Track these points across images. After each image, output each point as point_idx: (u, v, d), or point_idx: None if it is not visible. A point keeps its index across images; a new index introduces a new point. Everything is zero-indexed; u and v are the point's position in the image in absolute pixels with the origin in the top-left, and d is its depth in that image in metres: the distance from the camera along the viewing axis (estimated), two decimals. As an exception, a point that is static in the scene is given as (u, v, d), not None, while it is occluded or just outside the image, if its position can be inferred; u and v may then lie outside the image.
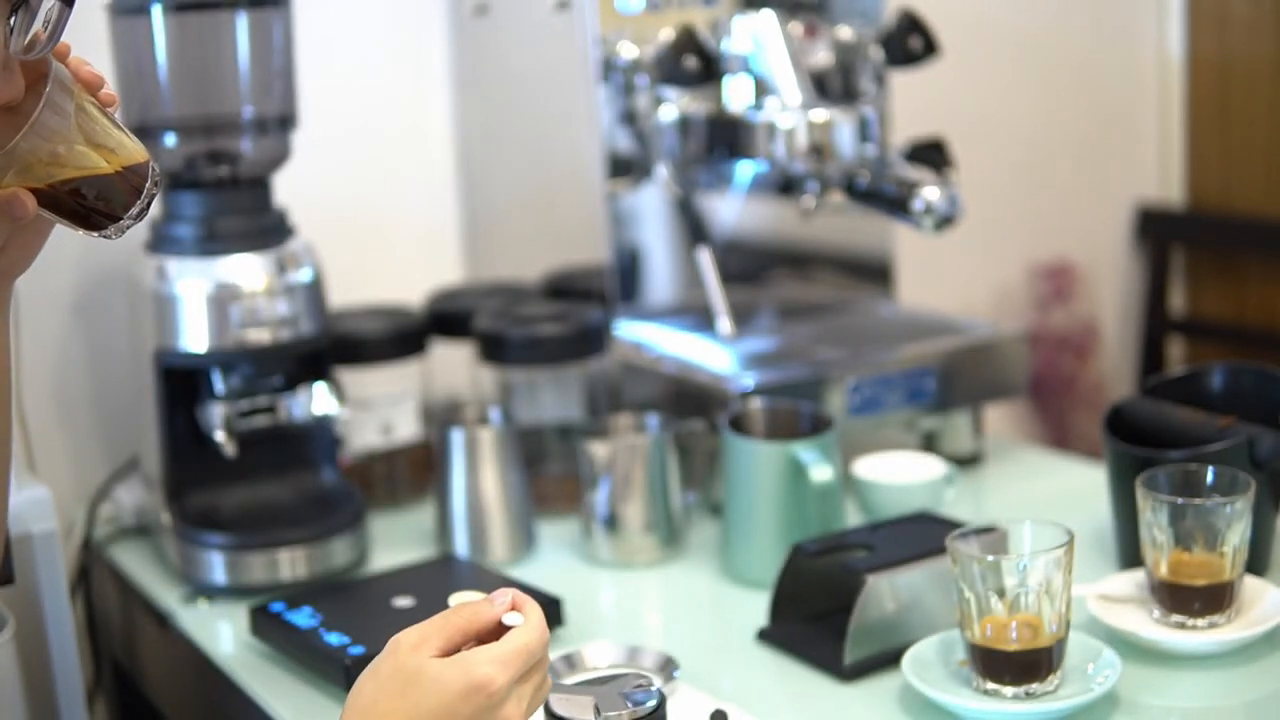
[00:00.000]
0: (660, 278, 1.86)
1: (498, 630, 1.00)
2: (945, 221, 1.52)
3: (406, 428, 1.76)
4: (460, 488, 1.55)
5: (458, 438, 1.54)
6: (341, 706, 1.27)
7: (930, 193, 1.51)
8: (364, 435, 1.75)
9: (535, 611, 1.01)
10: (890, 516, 1.42)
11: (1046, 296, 2.61)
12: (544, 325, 1.67)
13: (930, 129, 1.85)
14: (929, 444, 1.78)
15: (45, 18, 0.89)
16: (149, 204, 1.09)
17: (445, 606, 1.34)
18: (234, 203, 1.53)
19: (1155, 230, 2.71)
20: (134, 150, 1.08)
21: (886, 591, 1.26)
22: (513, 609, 1.01)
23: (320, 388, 1.55)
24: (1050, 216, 2.62)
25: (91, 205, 1.08)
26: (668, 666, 1.24)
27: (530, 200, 1.92)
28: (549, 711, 1.10)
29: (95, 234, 1.09)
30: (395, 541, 1.64)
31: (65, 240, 1.83)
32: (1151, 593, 1.27)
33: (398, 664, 0.97)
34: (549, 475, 1.72)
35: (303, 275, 1.53)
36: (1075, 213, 2.65)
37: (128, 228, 1.09)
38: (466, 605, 1.01)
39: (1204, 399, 1.48)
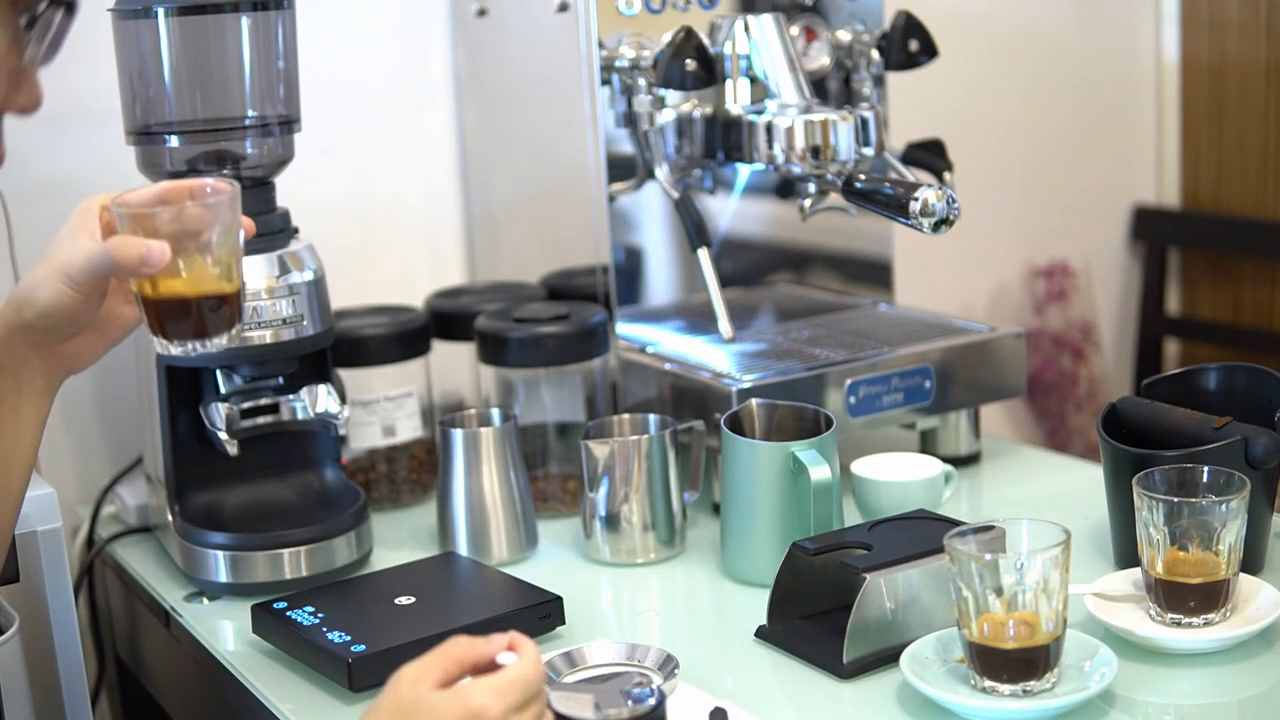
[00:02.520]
0: (660, 278, 1.86)
1: (494, 668, 1.02)
2: (943, 223, 1.53)
3: (408, 427, 1.77)
4: (461, 487, 1.55)
5: (458, 437, 1.55)
6: (342, 704, 1.28)
7: (928, 194, 1.52)
8: (366, 435, 1.75)
9: (531, 648, 1.03)
10: (888, 515, 1.42)
11: (1043, 297, 2.62)
12: (544, 325, 1.68)
13: (928, 131, 1.86)
14: (927, 444, 1.79)
15: (54, 28, 0.90)
16: (238, 334, 1.20)
17: (445, 605, 1.35)
18: (237, 204, 1.54)
19: (1151, 231, 2.72)
20: (241, 282, 1.18)
21: (885, 590, 1.26)
22: (509, 649, 1.03)
23: (322, 388, 1.56)
24: (1047, 218, 2.63)
25: (200, 317, 1.16)
26: (667, 664, 1.25)
27: (531, 201, 1.92)
28: (549, 709, 1.10)
29: (173, 346, 1.17)
30: (397, 540, 1.64)
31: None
32: (1148, 591, 1.28)
33: (398, 698, 0.99)
34: (549, 475, 1.73)
35: (305, 275, 1.54)
36: (1072, 214, 2.65)
37: (203, 349, 1.18)
38: (463, 639, 1.03)
39: (1199, 399, 1.49)
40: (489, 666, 1.02)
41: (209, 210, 1.14)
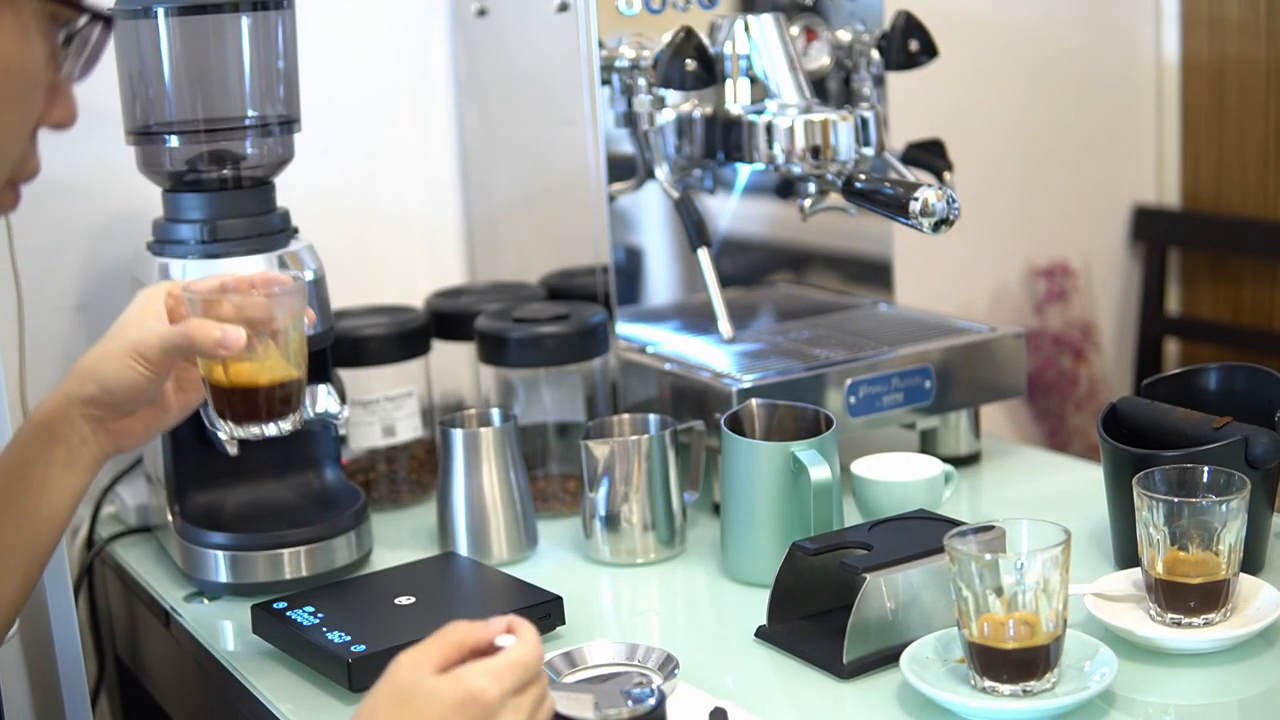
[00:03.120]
0: (660, 278, 1.86)
1: (493, 651, 1.02)
2: (943, 223, 1.53)
3: (408, 427, 1.77)
4: (461, 487, 1.55)
5: (459, 438, 1.55)
6: (342, 704, 1.28)
7: (928, 194, 1.52)
8: (366, 435, 1.75)
9: (529, 630, 1.03)
10: (888, 515, 1.43)
11: (1044, 297, 2.62)
12: (544, 325, 1.68)
13: (928, 131, 1.86)
14: (927, 444, 1.79)
15: (91, 43, 0.92)
16: (300, 420, 1.27)
17: (445, 605, 1.35)
18: (237, 204, 1.54)
19: (1151, 231, 2.72)
20: (305, 370, 1.27)
21: (885, 590, 1.26)
22: (508, 632, 1.03)
23: (322, 387, 1.56)
24: (1047, 218, 2.63)
25: (266, 403, 1.24)
26: (667, 664, 1.25)
27: (531, 201, 1.93)
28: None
29: (238, 430, 1.25)
30: (397, 541, 1.64)
31: (69, 241, 1.85)
32: (1148, 591, 1.28)
33: (396, 683, 0.99)
34: (549, 475, 1.73)
35: (305, 276, 1.54)
36: (1072, 214, 2.66)
37: (267, 433, 1.25)
38: (461, 624, 1.03)
39: (1199, 399, 1.49)
40: (488, 650, 1.02)
41: (276, 300, 1.22)
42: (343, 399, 1.58)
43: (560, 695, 1.11)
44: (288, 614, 1.36)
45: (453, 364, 1.87)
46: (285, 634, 1.35)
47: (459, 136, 2.05)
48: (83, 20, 0.91)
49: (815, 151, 1.66)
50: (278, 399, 1.24)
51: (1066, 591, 1.16)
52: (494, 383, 1.74)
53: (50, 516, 1.20)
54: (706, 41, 1.70)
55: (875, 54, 1.82)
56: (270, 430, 1.25)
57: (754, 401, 1.54)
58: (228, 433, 1.25)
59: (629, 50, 1.73)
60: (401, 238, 2.04)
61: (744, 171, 1.86)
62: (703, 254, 1.70)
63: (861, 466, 1.58)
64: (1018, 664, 1.15)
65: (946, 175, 1.79)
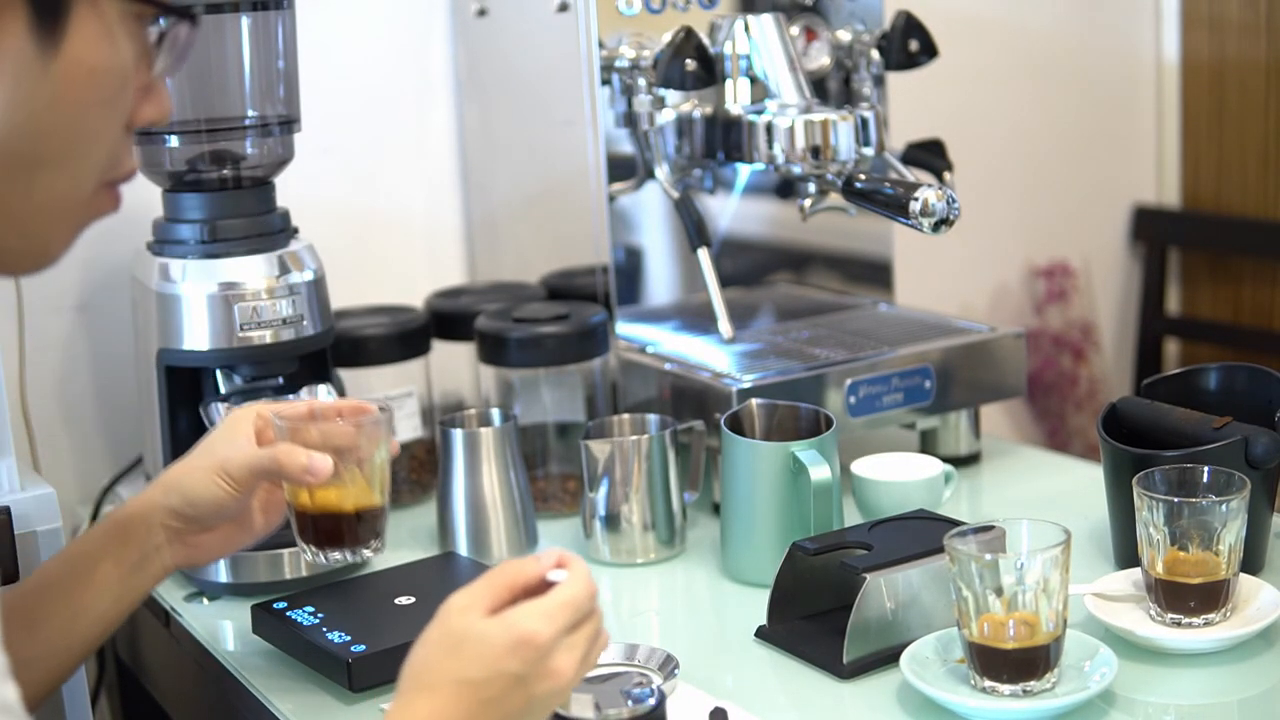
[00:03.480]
0: (660, 278, 1.86)
1: (544, 589, 1.01)
2: (943, 223, 1.53)
3: (408, 427, 1.77)
4: (461, 487, 1.55)
5: (459, 438, 1.55)
6: (342, 704, 1.28)
7: (928, 194, 1.52)
8: (365, 435, 1.75)
9: (580, 565, 1.02)
10: (888, 515, 1.43)
11: (1044, 297, 2.62)
12: (544, 325, 1.68)
13: (928, 131, 1.86)
14: (927, 444, 1.79)
15: (181, 41, 0.93)
16: (381, 546, 1.31)
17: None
18: (237, 204, 1.54)
19: (1151, 231, 2.72)
20: (388, 498, 1.31)
21: (885, 590, 1.26)
22: (558, 567, 1.02)
23: (322, 387, 1.56)
24: (1047, 218, 2.63)
25: (351, 528, 1.28)
26: (667, 664, 1.25)
27: (531, 201, 1.93)
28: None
29: (322, 554, 1.29)
30: (397, 540, 1.64)
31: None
32: (1148, 591, 1.28)
33: (448, 628, 0.99)
34: (549, 475, 1.73)
35: (305, 275, 1.54)
36: (1072, 214, 2.66)
37: (349, 559, 1.29)
38: (512, 563, 1.02)
39: (1199, 399, 1.49)
40: (540, 588, 1.01)
41: (361, 429, 1.25)
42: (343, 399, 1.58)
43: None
44: (288, 614, 1.36)
45: (453, 364, 1.87)
46: (285, 634, 1.35)
47: (459, 136, 2.05)
48: (171, 19, 0.92)
49: (815, 151, 1.66)
50: (360, 525, 1.28)
51: (1066, 591, 1.16)
52: (494, 383, 1.74)
53: (105, 614, 1.22)
54: (706, 41, 1.70)
55: (875, 54, 1.82)
56: (352, 556, 1.29)
57: (754, 401, 1.54)
58: (312, 555, 1.28)
59: (629, 50, 1.73)
60: (401, 238, 2.04)
61: (744, 171, 1.86)
62: (703, 254, 1.70)
63: (861, 466, 1.58)
64: (1018, 664, 1.15)
65: (946, 175, 1.79)
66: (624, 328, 1.79)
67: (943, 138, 1.83)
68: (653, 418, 1.57)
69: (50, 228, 0.91)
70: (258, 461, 1.22)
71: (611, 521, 1.53)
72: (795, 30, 1.79)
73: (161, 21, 0.92)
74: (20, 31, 0.83)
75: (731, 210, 1.89)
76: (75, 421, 1.83)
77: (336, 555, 1.28)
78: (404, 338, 1.76)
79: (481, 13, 1.94)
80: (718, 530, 1.54)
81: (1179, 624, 1.26)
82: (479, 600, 0.99)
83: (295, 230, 1.59)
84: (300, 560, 1.50)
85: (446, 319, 1.82)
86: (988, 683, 1.17)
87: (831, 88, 1.85)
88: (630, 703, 1.09)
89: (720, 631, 1.41)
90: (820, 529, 1.42)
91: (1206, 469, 1.29)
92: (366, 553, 1.29)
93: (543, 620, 0.98)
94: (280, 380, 1.57)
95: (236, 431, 1.25)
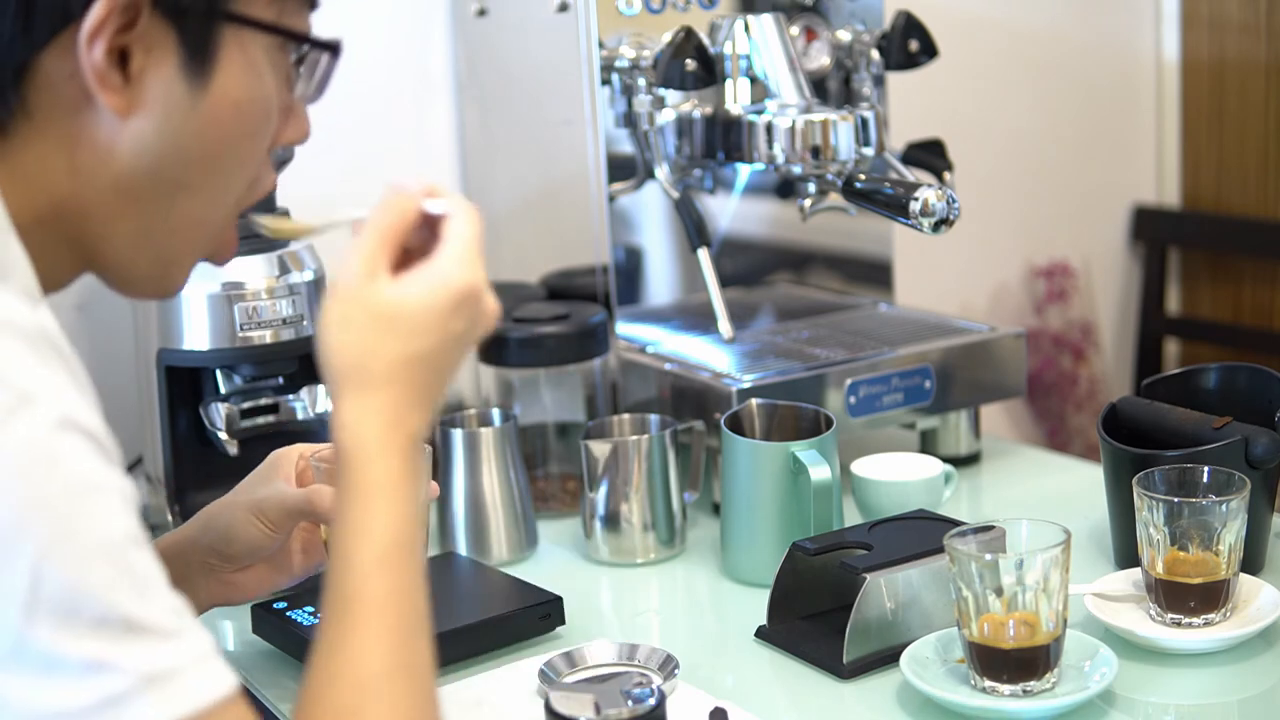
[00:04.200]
0: (660, 278, 1.86)
1: (429, 222, 0.95)
2: (943, 223, 1.53)
3: (407, 427, 1.77)
4: (461, 487, 1.55)
5: (459, 437, 1.55)
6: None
7: (928, 194, 1.52)
8: (365, 435, 1.75)
9: (458, 198, 0.97)
10: (888, 515, 1.43)
11: (1043, 297, 2.62)
12: (544, 325, 1.68)
13: (928, 131, 1.86)
14: (927, 444, 1.79)
15: (322, 68, 0.96)
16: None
17: (445, 605, 1.34)
18: (237, 204, 1.54)
19: (1151, 231, 2.72)
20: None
21: (885, 590, 1.26)
22: (428, 196, 0.95)
23: (322, 387, 1.56)
24: (1047, 218, 2.63)
25: None
26: (667, 664, 1.25)
27: (531, 201, 1.92)
28: (549, 709, 1.11)
29: None
30: (396, 540, 1.64)
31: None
32: (1148, 591, 1.28)
33: (365, 305, 0.91)
34: (549, 475, 1.73)
35: (305, 276, 1.54)
36: (1072, 214, 2.65)
37: None
38: (385, 211, 0.93)
39: (1199, 399, 1.49)
40: (423, 224, 0.95)
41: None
42: (343, 399, 1.57)
43: (560, 695, 1.11)
44: (288, 614, 1.36)
45: (452, 364, 1.87)
46: (285, 634, 1.35)
47: (459, 136, 2.05)
48: (308, 46, 0.94)
49: (815, 151, 1.66)
50: None
51: (1066, 591, 1.16)
52: (494, 383, 1.74)
53: None
54: (706, 41, 1.70)
55: (875, 54, 1.82)
56: None
57: (754, 401, 1.54)
58: None
59: (629, 50, 1.73)
60: (401, 238, 2.03)
61: (744, 171, 1.86)
62: (703, 254, 1.70)
63: (861, 466, 1.58)
64: (1018, 664, 1.15)
65: (946, 175, 1.79)
66: (624, 328, 1.79)
67: (943, 138, 1.83)
68: (653, 418, 1.57)
69: (181, 252, 0.92)
70: (293, 502, 1.21)
71: (611, 521, 1.53)
72: (795, 30, 1.79)
73: (305, 47, 0.93)
74: (171, 71, 0.86)
75: (731, 210, 1.89)
76: (75, 421, 1.82)
77: None
78: (404, 338, 1.75)
79: (481, 13, 1.94)
80: (718, 530, 1.54)
81: (1179, 624, 1.26)
82: (378, 264, 0.91)
83: (295, 230, 1.59)
84: (300, 560, 1.50)
85: (446, 319, 1.82)
86: (988, 683, 1.17)
87: (831, 88, 1.85)
88: (630, 703, 1.09)
89: (720, 631, 1.41)
90: (820, 529, 1.42)
91: (1206, 469, 1.29)
92: None
93: (466, 267, 0.92)
94: (280, 380, 1.57)
95: (276, 471, 1.24)
